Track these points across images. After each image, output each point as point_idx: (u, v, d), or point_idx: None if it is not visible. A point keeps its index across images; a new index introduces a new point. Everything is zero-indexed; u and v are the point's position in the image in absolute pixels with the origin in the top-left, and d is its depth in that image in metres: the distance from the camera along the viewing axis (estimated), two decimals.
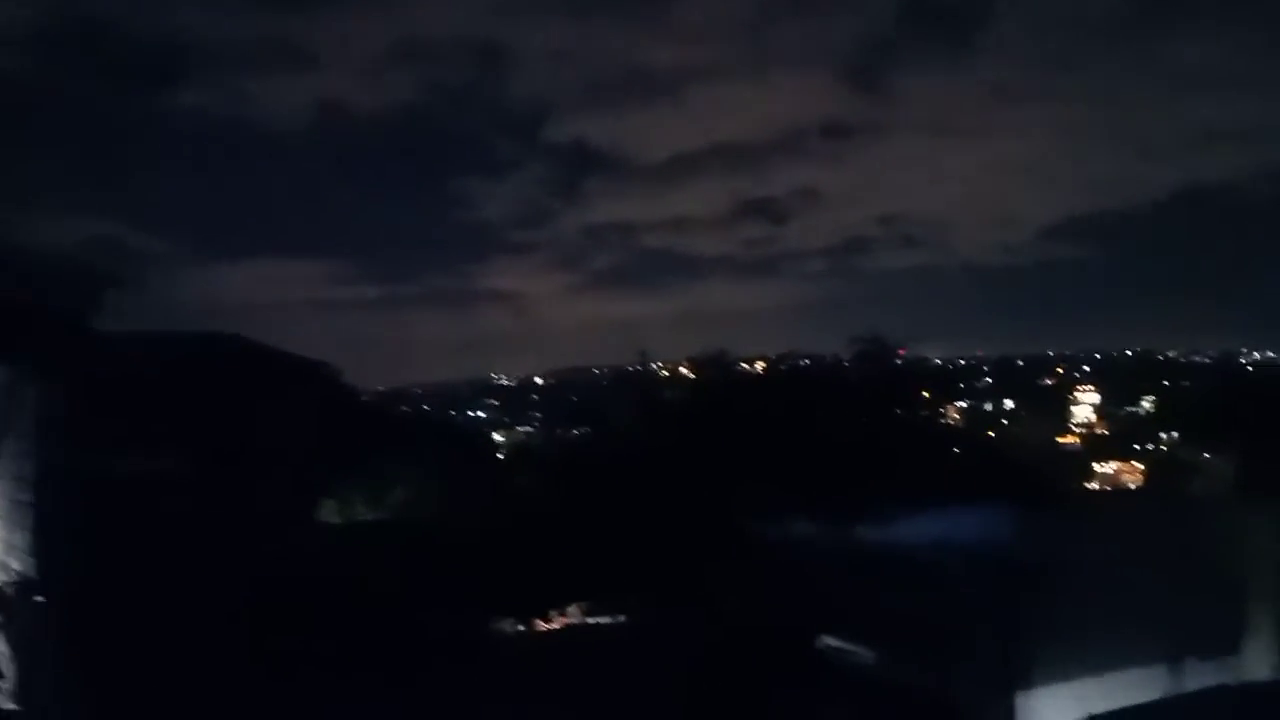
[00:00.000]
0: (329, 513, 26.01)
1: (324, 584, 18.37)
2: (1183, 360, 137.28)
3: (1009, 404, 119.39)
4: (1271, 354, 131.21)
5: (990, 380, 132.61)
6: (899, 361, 41.36)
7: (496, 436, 69.35)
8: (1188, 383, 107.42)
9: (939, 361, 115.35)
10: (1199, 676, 18.09)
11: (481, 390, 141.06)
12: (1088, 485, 68.46)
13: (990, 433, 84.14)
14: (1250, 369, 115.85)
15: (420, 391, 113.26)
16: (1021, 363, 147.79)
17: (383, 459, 27.64)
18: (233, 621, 15.89)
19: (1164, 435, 79.45)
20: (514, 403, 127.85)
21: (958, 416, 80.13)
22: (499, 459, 45.32)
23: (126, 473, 19.72)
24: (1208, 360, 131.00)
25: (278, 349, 29.68)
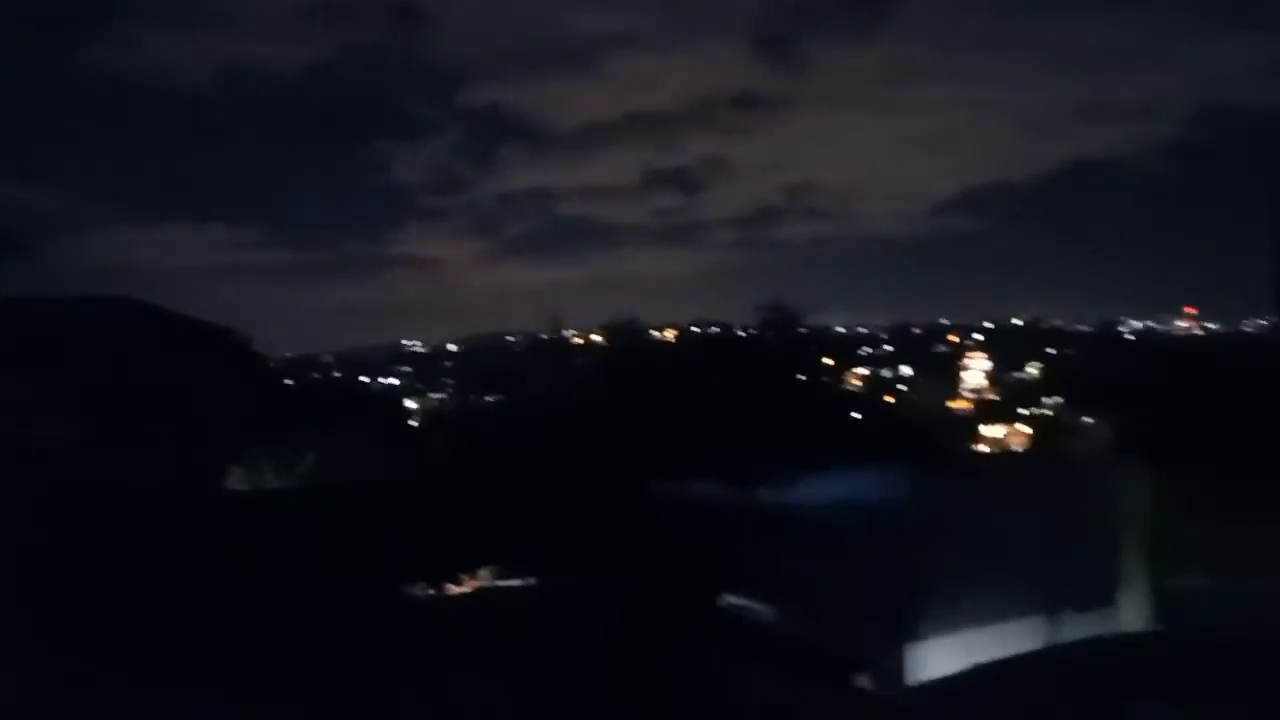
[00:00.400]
0: (237, 480, 25.55)
1: (229, 552, 18.11)
2: (1067, 329, 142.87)
3: (906, 370, 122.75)
4: (1150, 324, 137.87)
5: (889, 347, 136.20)
6: (802, 330, 42.63)
7: (409, 403, 68.23)
8: (1071, 351, 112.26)
9: (841, 329, 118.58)
10: (1076, 627, 19.19)
11: (394, 357, 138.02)
12: (977, 448, 71.07)
13: (888, 398, 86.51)
14: (1129, 338, 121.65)
15: (331, 358, 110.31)
16: (918, 331, 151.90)
17: (292, 426, 27.19)
18: (128, 590, 15.58)
19: (1048, 400, 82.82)
20: (427, 369, 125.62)
21: (858, 382, 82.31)
22: (411, 426, 44.95)
23: (8, 439, 19.06)
24: (1090, 329, 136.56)
25: (175, 312, 28.82)
